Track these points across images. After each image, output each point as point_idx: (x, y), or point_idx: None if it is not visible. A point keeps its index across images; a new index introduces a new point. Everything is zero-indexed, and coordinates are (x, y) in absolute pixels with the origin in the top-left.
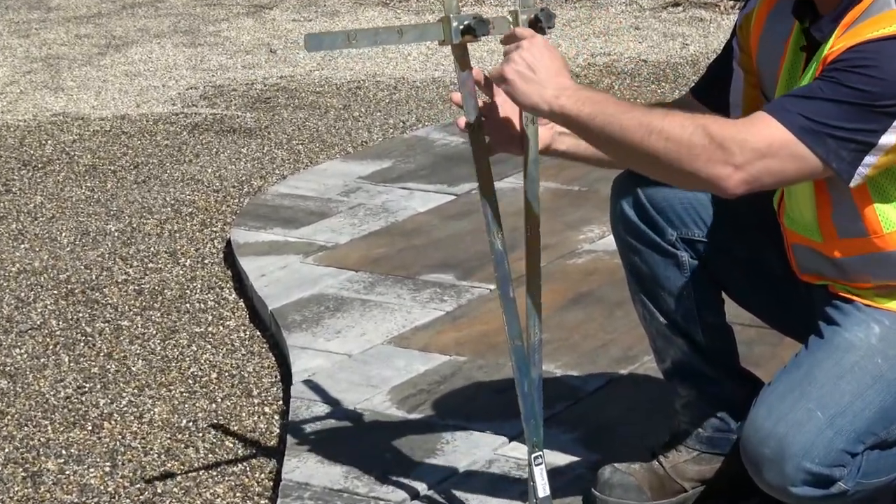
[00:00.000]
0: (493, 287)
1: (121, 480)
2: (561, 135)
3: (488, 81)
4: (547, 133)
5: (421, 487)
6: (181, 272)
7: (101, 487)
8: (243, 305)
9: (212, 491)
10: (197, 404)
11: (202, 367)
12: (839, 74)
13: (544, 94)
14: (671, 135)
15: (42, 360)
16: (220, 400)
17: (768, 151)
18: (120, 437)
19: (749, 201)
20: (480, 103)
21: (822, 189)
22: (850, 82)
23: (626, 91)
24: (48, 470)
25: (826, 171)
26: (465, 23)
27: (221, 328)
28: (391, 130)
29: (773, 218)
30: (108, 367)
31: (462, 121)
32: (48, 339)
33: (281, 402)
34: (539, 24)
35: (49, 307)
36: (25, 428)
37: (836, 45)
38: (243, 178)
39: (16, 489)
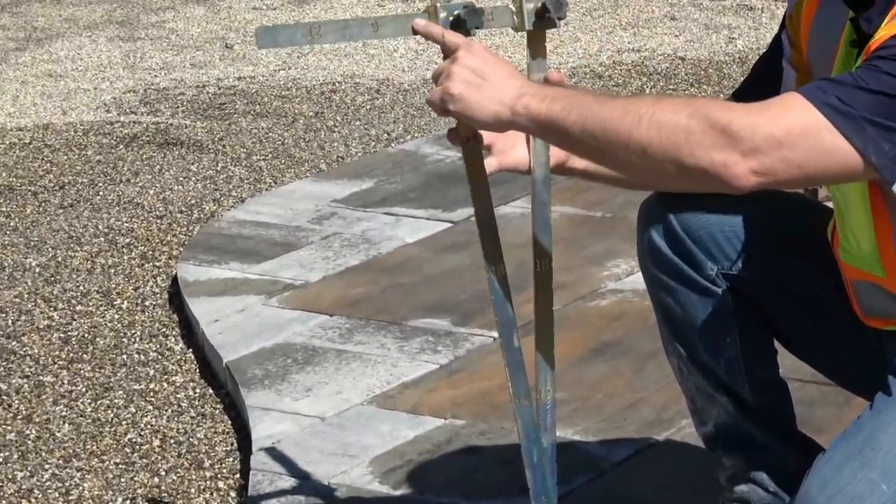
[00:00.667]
0: (495, 335)
1: None
2: None
3: None
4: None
5: None
6: (117, 316)
7: None
8: (192, 357)
9: None
10: (136, 478)
11: (142, 433)
12: (882, 63)
13: (503, 97)
14: (663, 121)
15: None
16: (163, 473)
17: (787, 139)
18: None
19: (806, 226)
20: None
21: (880, 214)
22: (893, 71)
23: None
24: None
25: (863, 170)
26: (455, 13)
27: (166, 385)
28: (373, 143)
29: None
30: (28, 432)
31: (452, 135)
32: None
33: (238, 476)
34: (547, 15)
35: None
36: None
37: (880, 33)
38: (193, 201)
39: None
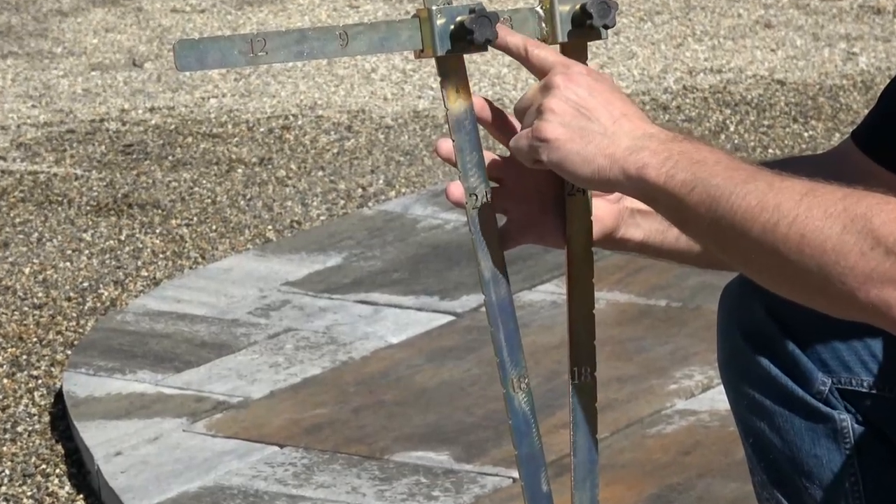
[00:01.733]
0: (515, 475)
1: None
2: (635, 213)
3: (500, 117)
4: (610, 210)
5: None
6: None
7: None
8: None
9: None
10: None
11: None
12: None
13: (615, 149)
14: (809, 230)
15: None
16: None
17: None
18: None
19: None
20: (489, 159)
21: None
22: None
23: (750, 135)
24: None
25: None
26: (459, 19)
27: None
28: (342, 202)
29: None
30: None
31: (456, 189)
32: None
33: None
34: (589, 22)
35: None
36: None
37: None
38: (85, 283)
39: None
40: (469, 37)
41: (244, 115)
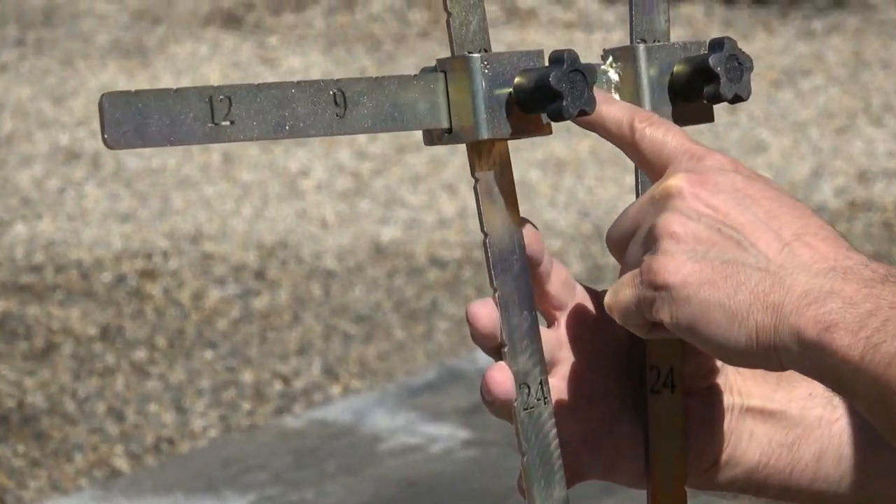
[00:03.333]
0: None
1: None
2: (745, 415)
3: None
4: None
5: None
6: None
7: None
8: None
9: None
10: None
11: None
12: None
13: (782, 296)
14: None
15: None
16: None
17: None
18: None
19: None
20: (550, 343)
21: None
22: None
23: None
24: None
25: None
26: (521, 80)
27: None
28: (246, 405)
29: None
30: None
31: (502, 375)
32: None
33: None
34: (711, 88)
35: None
36: None
37: None
38: None
39: None
40: (551, 105)
41: (74, 251)
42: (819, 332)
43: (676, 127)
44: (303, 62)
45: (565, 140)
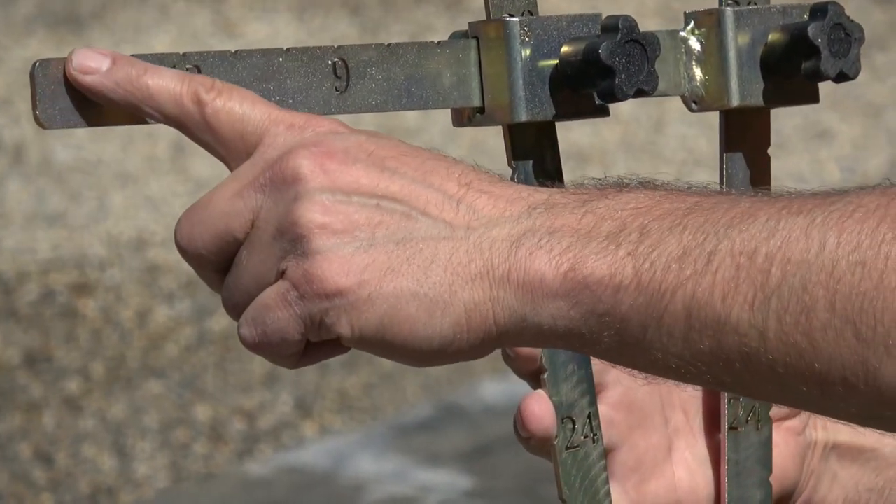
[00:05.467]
0: None
1: None
2: (830, 455)
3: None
4: (790, 450)
5: None
6: None
7: None
8: None
9: None
10: None
11: None
12: None
13: (487, 256)
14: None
15: None
16: None
17: None
18: None
19: None
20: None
21: None
22: None
23: None
24: None
25: None
26: (569, 48)
27: None
28: (201, 448)
29: None
30: None
31: (541, 406)
32: None
33: None
34: (809, 68)
35: None
36: None
37: None
38: None
39: None
40: (602, 83)
41: None
42: (563, 277)
43: (253, 94)
44: (269, 31)
45: (589, 126)
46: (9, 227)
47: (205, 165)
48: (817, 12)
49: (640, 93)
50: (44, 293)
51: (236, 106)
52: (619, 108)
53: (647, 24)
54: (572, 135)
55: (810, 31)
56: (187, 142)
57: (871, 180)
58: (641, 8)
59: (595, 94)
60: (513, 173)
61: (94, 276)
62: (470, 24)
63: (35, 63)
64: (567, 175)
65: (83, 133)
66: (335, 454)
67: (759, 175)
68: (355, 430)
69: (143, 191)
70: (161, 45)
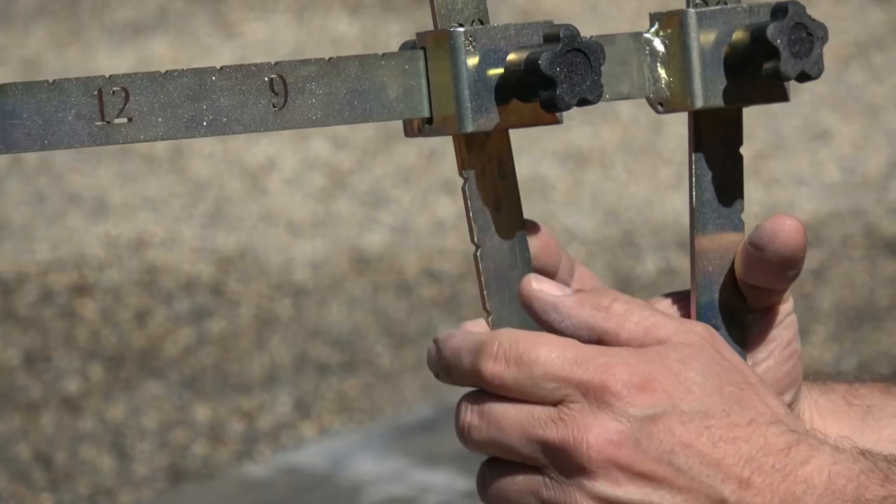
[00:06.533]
0: None
1: None
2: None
3: (568, 265)
4: None
5: None
6: None
7: None
8: None
9: None
10: None
11: None
12: None
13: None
14: None
15: None
16: None
17: None
18: None
19: None
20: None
21: None
22: None
23: None
24: None
25: None
26: (514, 57)
27: None
28: (199, 449)
29: None
30: None
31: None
32: None
33: None
34: (770, 69)
35: None
36: None
37: None
38: None
39: None
40: (543, 93)
41: None
42: None
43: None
44: (269, 31)
45: (588, 126)
46: (8, 228)
47: (204, 166)
48: (778, 12)
49: (583, 102)
50: (43, 294)
51: (590, 302)
52: (619, 109)
53: (646, 25)
54: (571, 135)
55: (770, 31)
56: (186, 142)
57: (871, 181)
58: (641, 8)
59: (551, 98)
60: (464, 184)
61: (93, 277)
62: (417, 34)
63: None
64: (567, 175)
65: None
66: (334, 455)
67: (730, 174)
68: (354, 431)
69: (142, 191)
70: (160, 45)
